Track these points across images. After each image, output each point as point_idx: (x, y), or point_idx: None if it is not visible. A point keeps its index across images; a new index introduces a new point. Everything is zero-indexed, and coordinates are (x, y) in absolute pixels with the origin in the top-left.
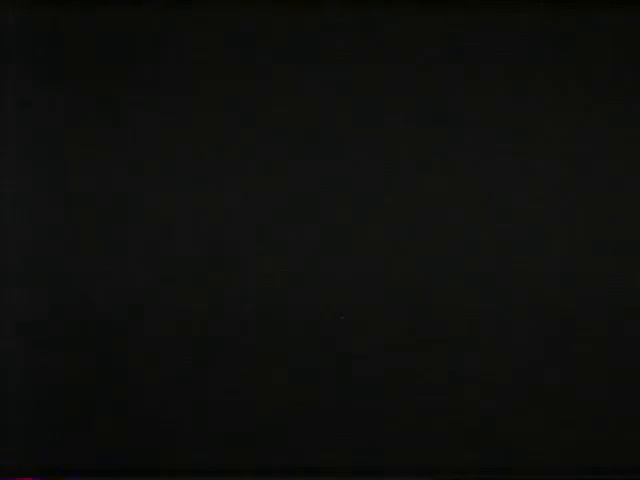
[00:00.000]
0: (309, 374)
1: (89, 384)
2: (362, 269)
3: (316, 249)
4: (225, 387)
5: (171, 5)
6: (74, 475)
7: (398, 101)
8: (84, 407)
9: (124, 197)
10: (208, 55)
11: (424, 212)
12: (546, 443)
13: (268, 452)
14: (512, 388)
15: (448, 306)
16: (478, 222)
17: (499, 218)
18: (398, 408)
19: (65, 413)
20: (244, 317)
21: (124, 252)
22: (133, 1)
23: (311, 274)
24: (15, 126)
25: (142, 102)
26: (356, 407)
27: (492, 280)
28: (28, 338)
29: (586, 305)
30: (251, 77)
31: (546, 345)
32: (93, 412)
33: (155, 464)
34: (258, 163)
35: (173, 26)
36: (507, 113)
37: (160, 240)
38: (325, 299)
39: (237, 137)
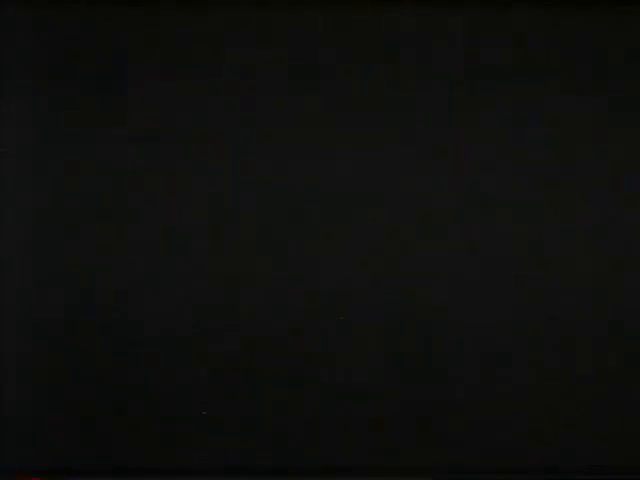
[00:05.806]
0: (309, 373)
1: (89, 384)
2: (362, 269)
3: (316, 250)
4: (225, 387)
5: (171, 5)
6: (74, 475)
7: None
8: (84, 407)
9: (122, 195)
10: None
11: (424, 213)
12: (546, 443)
13: (268, 452)
14: (511, 388)
15: (448, 306)
16: (478, 222)
17: (499, 218)
18: (398, 408)
19: (65, 413)
20: (243, 316)
21: (126, 251)
22: (133, 1)
23: (310, 275)
24: (15, 125)
25: (142, 100)
26: (356, 407)
27: (491, 280)
28: (28, 338)
29: (586, 305)
30: (250, 76)
31: (546, 345)
32: (93, 412)
33: (155, 464)
34: (259, 163)
35: (172, 26)
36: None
37: (159, 239)
38: (325, 300)
39: (237, 136)
